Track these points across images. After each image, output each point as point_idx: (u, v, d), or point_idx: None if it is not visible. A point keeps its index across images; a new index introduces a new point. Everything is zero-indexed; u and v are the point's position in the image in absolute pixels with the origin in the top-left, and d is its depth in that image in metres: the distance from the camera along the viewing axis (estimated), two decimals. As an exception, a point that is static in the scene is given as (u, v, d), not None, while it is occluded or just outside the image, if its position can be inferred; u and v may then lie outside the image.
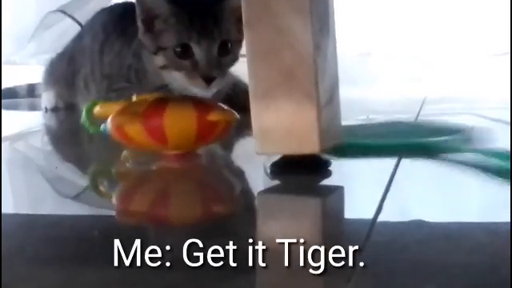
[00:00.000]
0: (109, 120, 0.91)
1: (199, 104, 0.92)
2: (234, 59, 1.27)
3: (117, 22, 1.50)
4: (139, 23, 1.27)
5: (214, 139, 0.93)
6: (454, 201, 0.69)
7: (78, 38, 1.63)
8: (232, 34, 1.24)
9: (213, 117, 0.89)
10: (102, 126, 0.94)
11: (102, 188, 0.87)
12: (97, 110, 1.00)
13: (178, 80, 1.25)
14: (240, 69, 1.21)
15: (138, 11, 1.26)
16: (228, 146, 1.07)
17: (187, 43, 1.21)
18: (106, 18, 1.56)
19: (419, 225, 0.59)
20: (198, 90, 1.23)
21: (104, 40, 1.49)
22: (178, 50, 1.22)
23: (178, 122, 0.88)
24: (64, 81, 1.61)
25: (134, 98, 0.98)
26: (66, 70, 1.61)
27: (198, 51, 1.21)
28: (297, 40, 0.75)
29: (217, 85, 1.22)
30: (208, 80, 1.21)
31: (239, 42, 1.25)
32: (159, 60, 1.26)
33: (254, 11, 0.77)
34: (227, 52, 1.24)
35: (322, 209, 0.71)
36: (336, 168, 0.81)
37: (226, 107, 0.93)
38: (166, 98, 0.94)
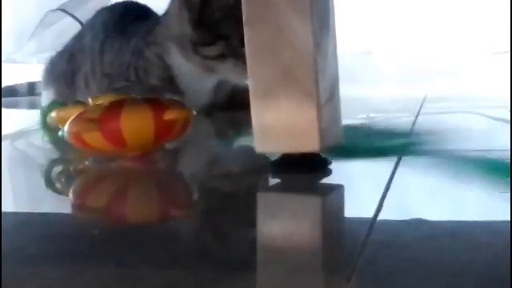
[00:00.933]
0: (66, 127, 0.90)
1: (154, 104, 0.91)
2: None
3: (117, 21, 1.51)
4: (184, 12, 1.27)
5: (172, 138, 0.93)
6: (454, 199, 0.69)
7: (79, 37, 1.64)
8: None
9: (169, 116, 0.88)
10: (60, 133, 0.93)
11: (57, 185, 0.87)
12: (54, 115, 0.99)
13: (221, 69, 1.27)
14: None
15: (187, 4, 1.27)
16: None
17: None
18: (106, 17, 1.56)
19: (419, 223, 0.59)
20: (242, 77, 1.25)
21: (104, 39, 1.49)
22: (240, 38, 1.24)
23: (135, 124, 0.88)
24: (64, 79, 1.61)
25: (91, 102, 0.98)
26: (65, 69, 1.61)
27: None
28: (297, 38, 0.75)
29: None
30: None
31: None
32: (214, 50, 1.27)
33: (255, 10, 0.77)
34: None
35: (322, 207, 0.70)
36: (336, 167, 0.81)
37: (181, 105, 0.93)
38: (122, 101, 0.93)
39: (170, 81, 1.35)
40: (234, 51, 1.26)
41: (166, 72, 1.35)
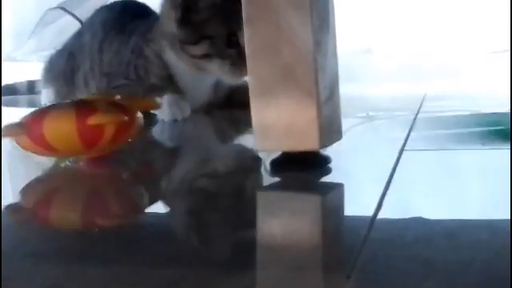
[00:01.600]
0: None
1: (81, 109, 0.89)
2: None
3: (115, 20, 1.51)
4: (173, 12, 1.27)
5: (112, 142, 0.89)
6: (454, 198, 0.69)
7: (78, 36, 1.64)
8: None
9: (93, 120, 0.86)
10: None
11: None
12: None
13: (209, 69, 1.27)
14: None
15: (173, 2, 1.27)
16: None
17: (235, 32, 1.23)
18: (105, 16, 1.56)
19: (419, 222, 0.59)
20: (234, 78, 1.27)
21: (103, 38, 1.49)
22: (225, 38, 1.24)
23: (56, 129, 0.87)
24: (63, 78, 1.61)
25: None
26: (65, 68, 1.61)
27: (243, 40, 1.23)
28: (297, 37, 0.75)
29: None
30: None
31: None
32: (200, 49, 1.27)
33: (255, 8, 0.77)
34: None
35: (321, 206, 0.70)
36: (336, 165, 0.81)
37: (115, 108, 0.90)
38: (50, 106, 0.93)
39: (170, 79, 1.34)
40: (220, 51, 1.26)
41: (164, 70, 1.35)
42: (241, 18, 1.25)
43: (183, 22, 1.27)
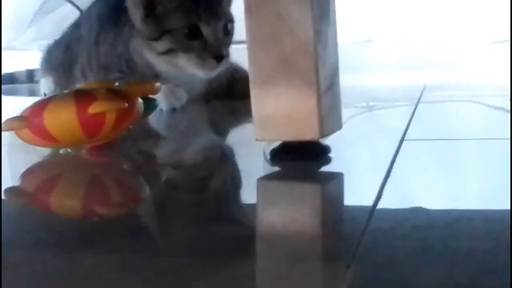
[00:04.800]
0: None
1: (81, 98, 0.88)
2: (232, 39, 1.28)
3: (111, 12, 1.50)
4: (137, 10, 1.26)
5: (114, 129, 0.89)
6: (454, 188, 0.69)
7: (75, 27, 1.63)
8: (230, 15, 1.27)
9: (93, 109, 0.86)
10: None
11: None
12: None
13: (180, 64, 1.26)
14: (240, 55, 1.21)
15: (135, 1, 1.26)
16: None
17: (196, 24, 1.22)
18: (102, 9, 1.55)
19: (419, 212, 0.59)
20: (205, 71, 1.24)
21: (99, 31, 1.49)
22: (187, 31, 1.23)
23: (57, 119, 0.87)
24: (61, 68, 1.61)
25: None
26: (63, 59, 1.61)
27: (206, 31, 1.22)
28: (297, 26, 0.75)
29: (224, 63, 1.24)
30: (218, 59, 1.22)
31: (233, 23, 1.28)
32: (163, 45, 1.26)
33: (255, -3, 0.77)
34: (228, 32, 1.26)
35: (321, 195, 0.71)
36: (336, 155, 0.81)
37: (113, 96, 0.90)
38: (49, 98, 0.93)
39: (157, 77, 1.32)
40: (182, 45, 1.24)
41: (148, 68, 1.33)
42: (203, 8, 1.24)
43: (146, 19, 1.26)
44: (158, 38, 1.26)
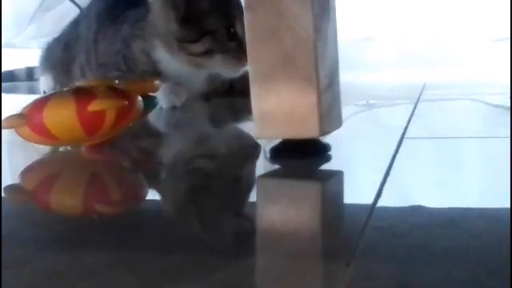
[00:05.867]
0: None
1: (81, 96, 0.88)
2: None
3: (109, 10, 1.50)
4: (169, 11, 1.26)
5: (114, 127, 0.89)
6: (454, 186, 0.69)
7: (74, 25, 1.63)
8: None
9: (93, 107, 0.86)
10: None
11: None
12: None
13: (210, 65, 1.26)
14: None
15: (173, 3, 1.26)
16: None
17: (233, 23, 1.22)
18: (100, 6, 1.55)
19: (419, 210, 0.59)
20: (236, 71, 1.25)
21: (97, 29, 1.49)
22: (226, 31, 1.23)
23: (57, 117, 0.86)
24: (60, 67, 1.61)
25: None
26: (62, 57, 1.61)
27: (241, 31, 1.22)
28: (297, 23, 0.75)
29: None
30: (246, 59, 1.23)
31: None
32: (201, 46, 1.25)
33: (255, -5, 0.77)
34: None
35: (321, 193, 0.70)
36: (336, 152, 0.81)
37: (114, 93, 0.90)
38: (49, 95, 0.92)
39: (158, 74, 1.32)
40: (221, 46, 1.25)
41: (152, 67, 1.33)
42: (236, 8, 1.25)
43: (181, 21, 1.26)
44: (197, 40, 1.25)
